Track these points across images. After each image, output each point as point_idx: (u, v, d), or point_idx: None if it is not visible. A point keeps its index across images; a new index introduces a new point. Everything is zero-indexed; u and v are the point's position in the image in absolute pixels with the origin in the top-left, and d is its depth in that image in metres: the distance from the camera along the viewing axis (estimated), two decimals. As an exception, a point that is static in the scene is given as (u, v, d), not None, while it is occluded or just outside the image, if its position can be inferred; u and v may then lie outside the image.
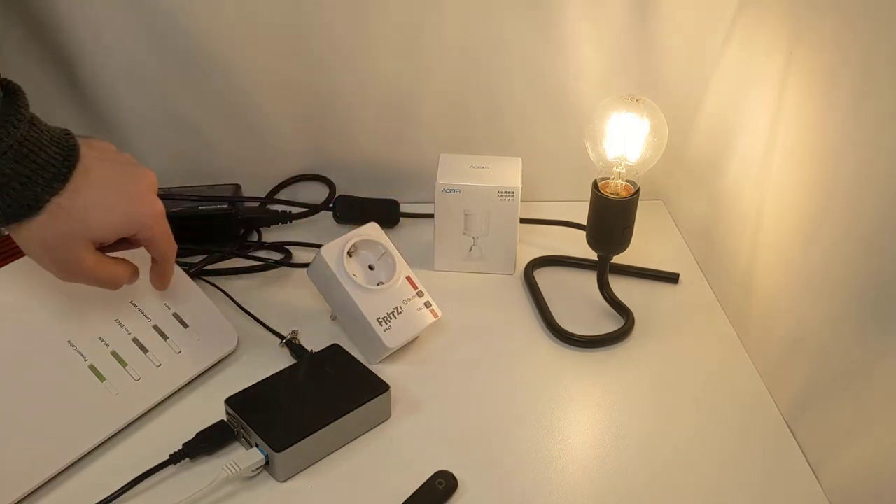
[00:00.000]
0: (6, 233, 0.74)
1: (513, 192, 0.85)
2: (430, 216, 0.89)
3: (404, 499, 0.63)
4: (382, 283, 0.77)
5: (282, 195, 1.00)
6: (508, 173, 0.87)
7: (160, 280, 0.69)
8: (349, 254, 0.76)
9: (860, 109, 0.63)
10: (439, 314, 0.79)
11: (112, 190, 0.61)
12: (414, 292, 0.78)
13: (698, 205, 0.94)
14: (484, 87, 0.94)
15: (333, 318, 0.82)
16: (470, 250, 0.89)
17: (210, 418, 0.68)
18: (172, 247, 0.67)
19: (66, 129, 0.60)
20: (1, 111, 0.55)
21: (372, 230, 0.78)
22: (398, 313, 0.76)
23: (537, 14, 0.89)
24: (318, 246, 0.77)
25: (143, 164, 0.65)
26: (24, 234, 0.59)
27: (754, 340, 0.79)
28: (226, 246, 0.91)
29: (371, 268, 0.78)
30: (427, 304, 0.78)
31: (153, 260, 0.68)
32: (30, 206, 0.57)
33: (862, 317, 0.62)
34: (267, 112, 0.95)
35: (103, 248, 0.63)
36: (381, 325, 0.75)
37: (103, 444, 0.67)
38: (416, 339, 0.79)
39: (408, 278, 0.78)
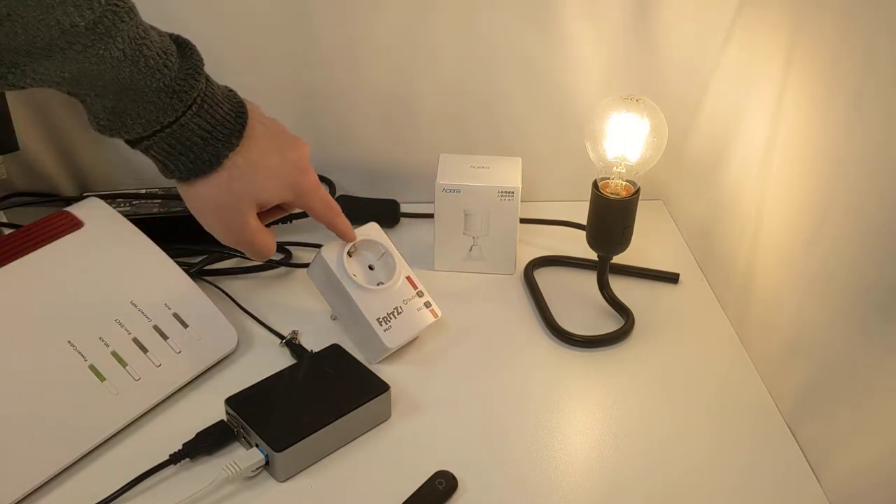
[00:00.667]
0: (7, 233, 0.74)
1: (513, 192, 0.85)
2: (430, 216, 0.89)
3: (404, 499, 0.63)
4: (382, 283, 0.77)
5: (282, 195, 1.00)
6: (508, 173, 0.87)
7: (342, 236, 0.72)
8: (349, 254, 0.76)
9: (861, 109, 0.63)
10: (439, 314, 0.79)
11: (275, 155, 0.62)
12: (414, 292, 0.78)
13: (698, 205, 0.94)
14: (484, 87, 0.94)
15: (333, 318, 0.82)
16: (470, 250, 0.89)
17: (210, 418, 0.68)
18: (335, 209, 0.69)
19: (227, 86, 0.60)
20: (181, 64, 0.55)
21: (372, 230, 0.78)
22: (398, 313, 0.76)
23: (537, 14, 0.89)
24: (318, 246, 0.77)
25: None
26: (199, 190, 0.59)
27: (754, 340, 0.79)
28: (226, 246, 0.91)
29: (371, 268, 0.78)
30: (427, 304, 0.78)
31: (325, 224, 0.70)
32: (210, 163, 0.58)
33: (862, 317, 0.62)
34: (267, 112, 0.94)
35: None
36: (381, 325, 0.75)
37: (103, 444, 0.67)
38: (416, 339, 0.79)
39: (408, 278, 0.78)
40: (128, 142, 0.59)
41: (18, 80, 0.52)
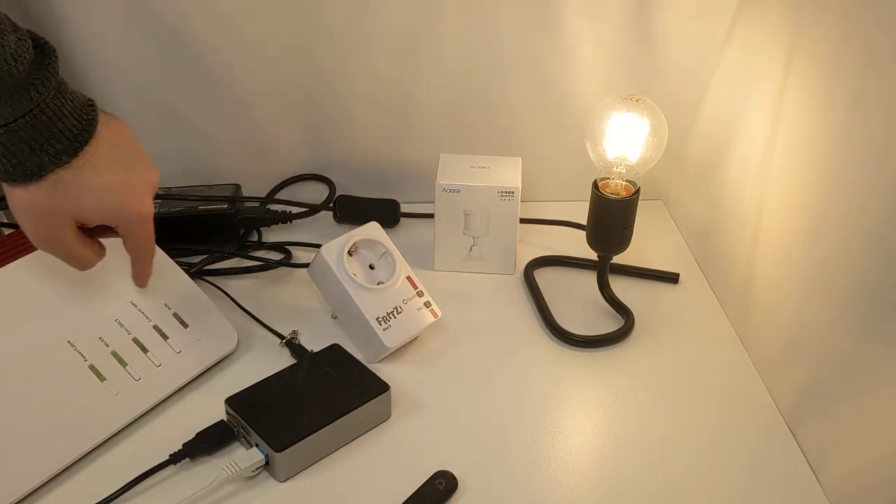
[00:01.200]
0: (6, 233, 0.75)
1: (513, 192, 0.85)
2: (430, 216, 0.89)
3: (404, 499, 0.63)
4: (382, 283, 0.77)
5: (282, 195, 1.00)
6: (508, 173, 0.87)
7: (137, 278, 0.69)
8: (350, 253, 0.76)
9: (861, 109, 0.63)
10: (439, 314, 0.79)
11: (112, 177, 0.60)
12: (414, 292, 0.78)
13: (698, 205, 0.94)
14: (484, 86, 0.94)
15: (334, 317, 0.82)
16: (470, 250, 0.89)
17: (210, 418, 0.68)
18: (149, 250, 0.67)
19: (89, 100, 0.59)
20: (29, 72, 0.54)
21: (373, 230, 0.78)
22: (398, 313, 0.76)
23: (537, 14, 0.89)
24: (318, 246, 0.77)
25: (151, 162, 0.64)
26: (18, 194, 0.58)
27: (754, 340, 0.79)
28: (226, 246, 0.91)
29: (371, 267, 0.78)
30: (427, 304, 0.78)
31: (132, 259, 0.67)
32: (32, 172, 0.57)
33: (863, 317, 0.62)
34: (267, 112, 0.95)
35: (85, 228, 0.62)
36: (381, 325, 0.75)
37: (103, 444, 0.67)
38: (416, 338, 0.79)
39: (408, 278, 0.78)
40: None
41: None
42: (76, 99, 0.58)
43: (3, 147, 0.55)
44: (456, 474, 0.65)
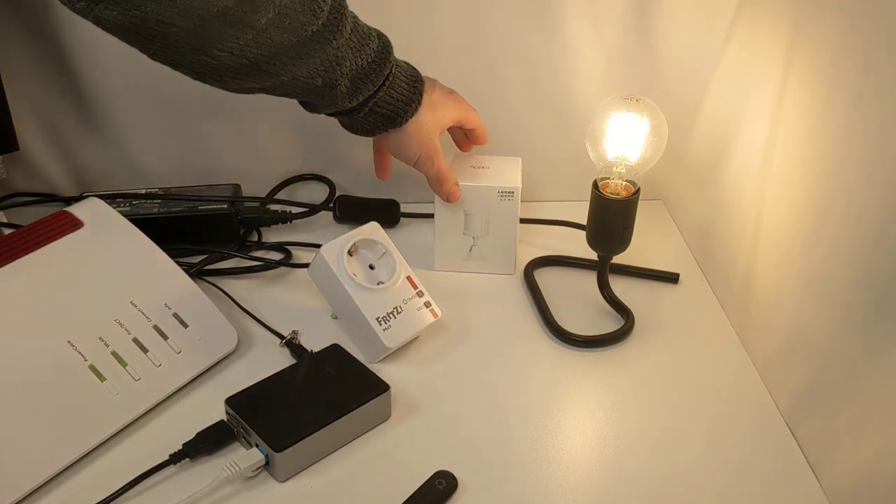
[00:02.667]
0: (7, 233, 0.74)
1: (513, 192, 0.85)
2: (430, 216, 0.89)
3: (404, 499, 0.63)
4: (382, 283, 0.77)
5: (282, 195, 1.00)
6: (508, 173, 0.87)
7: (483, 139, 0.87)
8: (350, 253, 0.76)
9: (861, 109, 0.63)
10: (439, 314, 0.79)
11: (435, 88, 0.79)
12: (414, 292, 0.78)
13: (698, 205, 0.94)
14: (484, 86, 0.94)
15: (334, 317, 0.82)
16: (470, 250, 0.89)
17: (210, 418, 0.68)
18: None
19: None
20: (382, 50, 0.73)
21: (373, 230, 0.78)
22: (398, 313, 0.76)
23: (537, 14, 0.89)
24: (318, 246, 0.77)
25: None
26: (409, 129, 0.77)
27: (754, 340, 0.79)
28: (226, 246, 0.91)
29: (371, 267, 0.78)
30: (427, 304, 0.78)
31: (470, 133, 0.86)
32: (417, 101, 0.76)
33: (862, 317, 0.62)
34: (267, 112, 0.95)
35: None
36: (381, 325, 0.75)
37: (103, 444, 0.67)
38: (416, 338, 0.79)
39: (408, 278, 0.78)
40: (352, 110, 0.75)
41: (270, 80, 0.68)
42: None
43: (396, 92, 0.75)
44: (456, 474, 0.65)
